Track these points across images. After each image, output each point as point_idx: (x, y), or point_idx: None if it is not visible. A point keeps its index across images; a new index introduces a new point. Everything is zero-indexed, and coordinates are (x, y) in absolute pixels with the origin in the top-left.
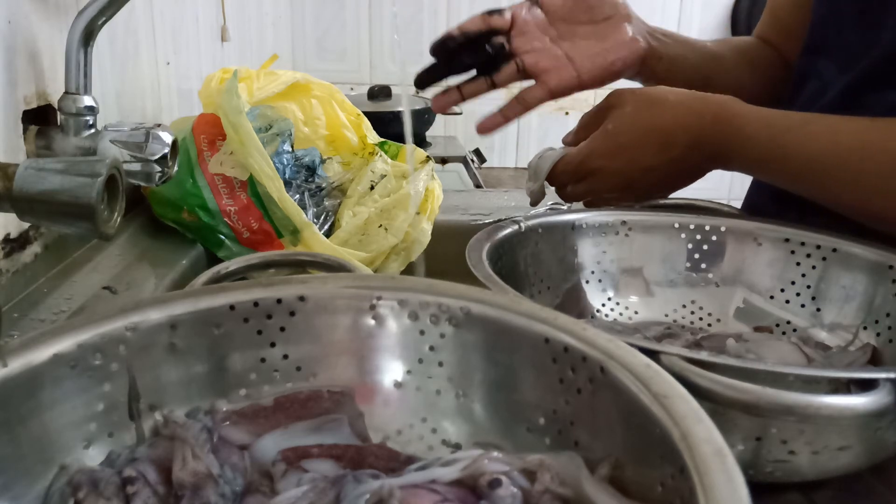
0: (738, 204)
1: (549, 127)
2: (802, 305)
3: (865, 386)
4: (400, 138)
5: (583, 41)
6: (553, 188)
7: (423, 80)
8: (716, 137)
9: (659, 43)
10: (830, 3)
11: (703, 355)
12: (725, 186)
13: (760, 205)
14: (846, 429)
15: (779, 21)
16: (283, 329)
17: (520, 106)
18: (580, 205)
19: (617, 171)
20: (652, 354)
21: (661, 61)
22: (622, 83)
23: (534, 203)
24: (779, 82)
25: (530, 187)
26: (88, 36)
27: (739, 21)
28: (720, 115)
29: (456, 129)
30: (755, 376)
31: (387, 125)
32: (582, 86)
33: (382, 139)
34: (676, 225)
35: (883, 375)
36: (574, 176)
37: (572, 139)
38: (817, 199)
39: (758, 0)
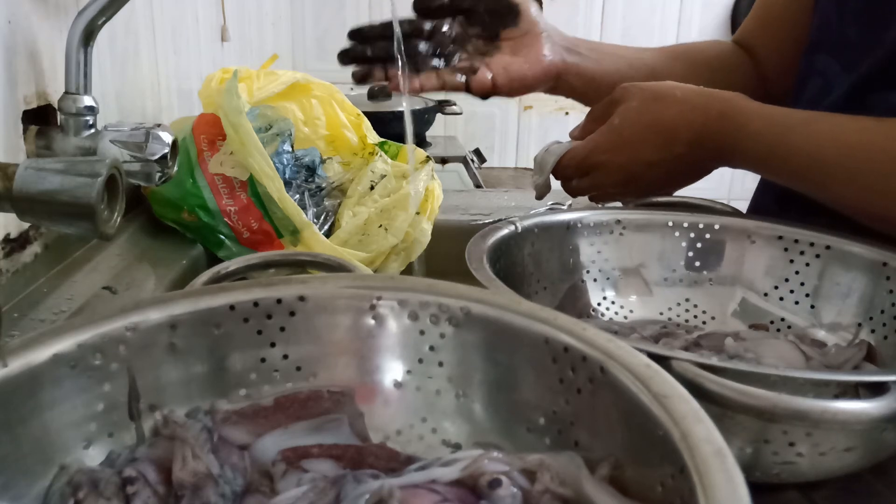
0: (738, 204)
1: (550, 127)
2: (797, 303)
3: (873, 388)
4: (400, 138)
5: (498, 53)
6: (559, 182)
7: (343, 58)
8: (720, 134)
9: (579, 59)
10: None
11: (714, 360)
12: (725, 186)
13: (765, 206)
14: (854, 431)
15: (770, 20)
16: (283, 329)
17: (438, 82)
18: (578, 203)
19: (620, 167)
20: (663, 360)
21: (578, 77)
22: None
23: (539, 197)
24: (750, 90)
25: (535, 181)
26: (88, 36)
27: (739, 21)
28: (725, 112)
29: (456, 129)
30: (766, 379)
31: (387, 125)
32: (497, 92)
33: (382, 139)
34: (670, 223)
35: (894, 378)
36: (578, 170)
37: (579, 133)
38: (820, 198)
39: None
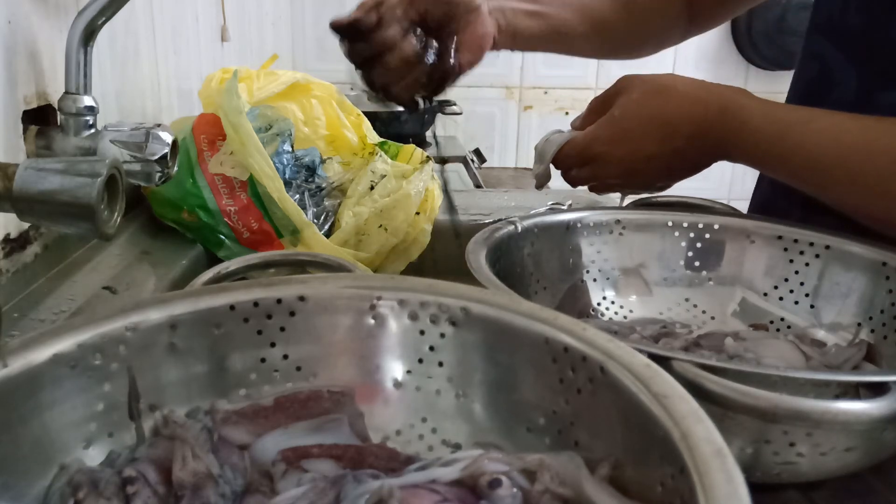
0: (738, 204)
1: (549, 126)
2: (797, 303)
3: (874, 388)
4: (400, 138)
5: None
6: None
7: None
8: (720, 129)
9: (511, 20)
10: None
11: (714, 360)
12: (725, 186)
13: (768, 203)
14: (855, 431)
15: None
16: (283, 329)
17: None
18: (578, 203)
19: (620, 159)
20: (663, 360)
21: (514, 40)
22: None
23: (539, 186)
24: (671, 17)
25: (536, 170)
26: (88, 36)
27: (739, 21)
28: (726, 107)
29: (456, 129)
30: (766, 380)
31: (387, 125)
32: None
33: (382, 139)
34: (670, 223)
35: (894, 378)
36: (578, 160)
37: (580, 123)
38: (820, 198)
39: None
